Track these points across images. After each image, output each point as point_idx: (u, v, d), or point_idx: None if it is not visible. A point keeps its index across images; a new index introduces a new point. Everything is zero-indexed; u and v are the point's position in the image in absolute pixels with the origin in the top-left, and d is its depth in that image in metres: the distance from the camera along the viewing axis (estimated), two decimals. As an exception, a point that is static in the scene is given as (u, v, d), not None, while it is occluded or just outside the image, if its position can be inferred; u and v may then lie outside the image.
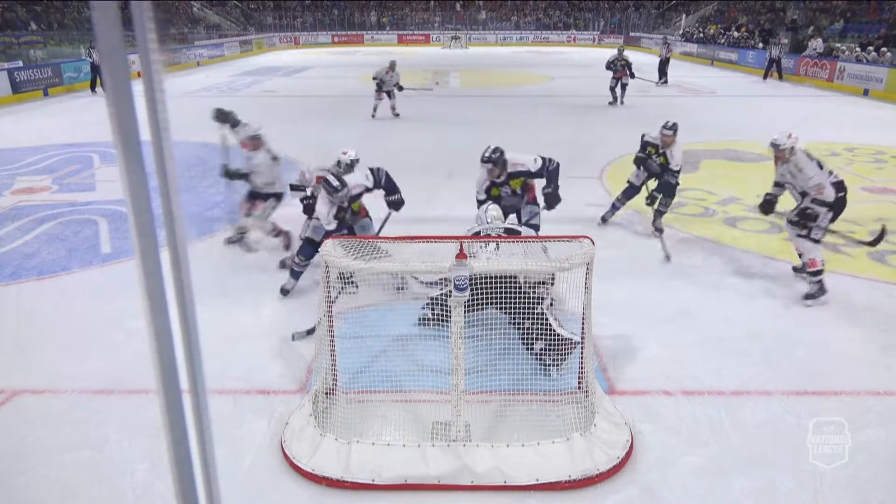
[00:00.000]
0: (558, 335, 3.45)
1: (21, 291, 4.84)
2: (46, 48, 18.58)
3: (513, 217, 4.89)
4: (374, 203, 4.91)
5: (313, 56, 29.52)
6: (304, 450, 2.92)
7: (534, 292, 3.44)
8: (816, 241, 4.49)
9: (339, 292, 3.47)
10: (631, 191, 5.98)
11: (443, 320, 3.28)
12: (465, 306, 2.91)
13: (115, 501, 2.74)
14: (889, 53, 15.59)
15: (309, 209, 4.86)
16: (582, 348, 3.27)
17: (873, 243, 4.54)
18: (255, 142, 5.18)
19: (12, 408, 3.40)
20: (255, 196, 5.32)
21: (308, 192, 4.79)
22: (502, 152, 4.63)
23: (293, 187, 5.09)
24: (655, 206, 5.74)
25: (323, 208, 4.31)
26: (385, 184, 4.56)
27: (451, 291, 2.86)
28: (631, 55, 14.02)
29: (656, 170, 5.70)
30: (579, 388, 3.30)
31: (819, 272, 4.49)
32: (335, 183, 4.22)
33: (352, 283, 3.47)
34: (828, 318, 4.38)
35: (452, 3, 39.67)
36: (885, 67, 14.99)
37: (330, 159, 4.92)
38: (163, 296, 0.92)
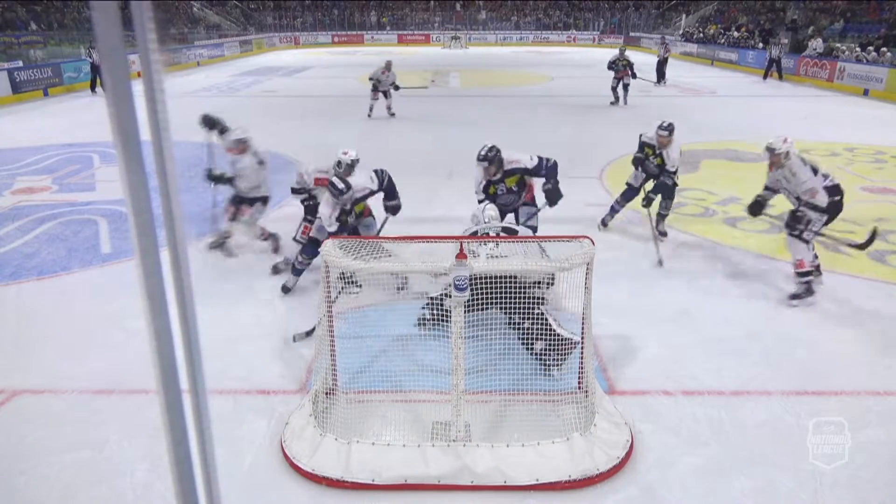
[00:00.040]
0: (558, 335, 3.45)
1: (21, 291, 4.84)
2: (46, 48, 18.58)
3: (510, 217, 4.89)
4: (373, 203, 4.90)
5: (313, 56, 29.52)
6: (304, 450, 2.92)
7: (532, 293, 3.44)
8: (807, 242, 4.50)
9: (340, 292, 3.46)
10: (630, 192, 5.93)
11: (441, 321, 3.28)
12: (464, 306, 2.91)
13: (115, 501, 2.74)
14: (889, 53, 15.59)
15: (310, 210, 4.86)
16: (582, 348, 3.27)
17: (863, 246, 4.52)
18: (241, 145, 5.06)
19: (12, 408, 3.40)
20: (240, 201, 5.21)
21: (308, 195, 4.79)
22: (498, 150, 4.64)
23: (294, 191, 5.08)
24: (652, 207, 5.67)
25: (326, 209, 4.30)
26: (387, 186, 4.57)
27: (450, 292, 2.86)
28: (632, 55, 14.03)
29: (654, 171, 5.66)
30: (579, 388, 3.30)
31: (807, 273, 4.50)
32: (340, 185, 4.20)
33: (354, 283, 3.47)
34: (828, 318, 4.38)
35: (452, 3, 39.68)
36: (885, 67, 14.99)
37: (330, 159, 4.91)
38: (163, 296, 0.92)
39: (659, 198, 5.73)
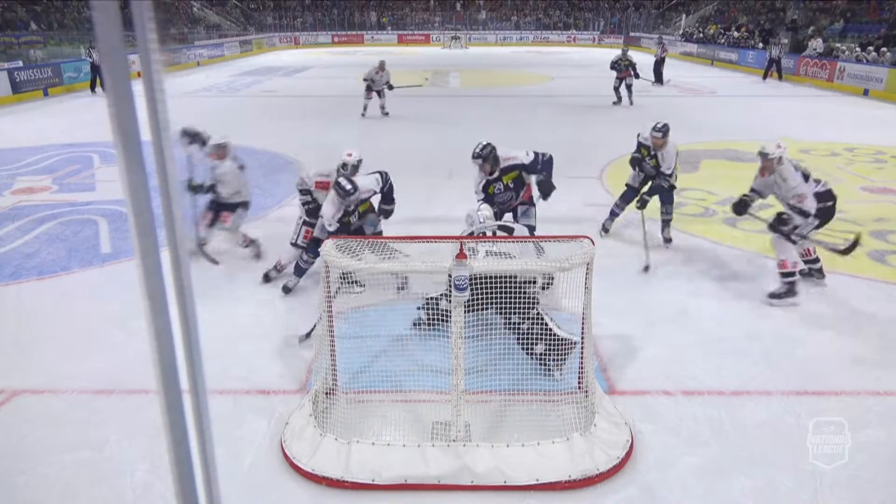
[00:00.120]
0: (557, 336, 3.45)
1: (21, 291, 4.84)
2: (46, 48, 18.59)
3: (508, 216, 4.90)
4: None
5: (313, 56, 29.52)
6: (304, 450, 2.92)
7: (527, 290, 3.43)
8: (794, 243, 4.50)
9: (338, 290, 3.45)
10: (629, 194, 5.78)
11: (440, 321, 3.28)
12: (464, 306, 2.91)
13: (115, 501, 2.74)
14: (889, 53, 15.59)
15: (310, 213, 4.85)
16: (582, 348, 3.27)
17: (846, 251, 4.50)
18: (220, 151, 5.04)
19: (12, 408, 3.40)
20: (221, 207, 5.17)
21: (310, 196, 4.79)
22: (493, 148, 4.65)
23: (301, 191, 5.06)
24: (647, 210, 5.53)
25: (329, 209, 4.30)
26: (386, 189, 4.60)
27: (449, 292, 2.86)
28: (634, 55, 14.02)
29: (651, 172, 5.57)
30: (579, 388, 3.30)
31: (790, 274, 4.49)
32: (348, 186, 4.20)
33: (357, 282, 3.46)
34: (828, 319, 4.38)
35: (452, 3, 39.68)
36: (885, 67, 14.99)
37: (330, 160, 4.90)
38: (163, 296, 0.92)
39: (656, 200, 5.61)
